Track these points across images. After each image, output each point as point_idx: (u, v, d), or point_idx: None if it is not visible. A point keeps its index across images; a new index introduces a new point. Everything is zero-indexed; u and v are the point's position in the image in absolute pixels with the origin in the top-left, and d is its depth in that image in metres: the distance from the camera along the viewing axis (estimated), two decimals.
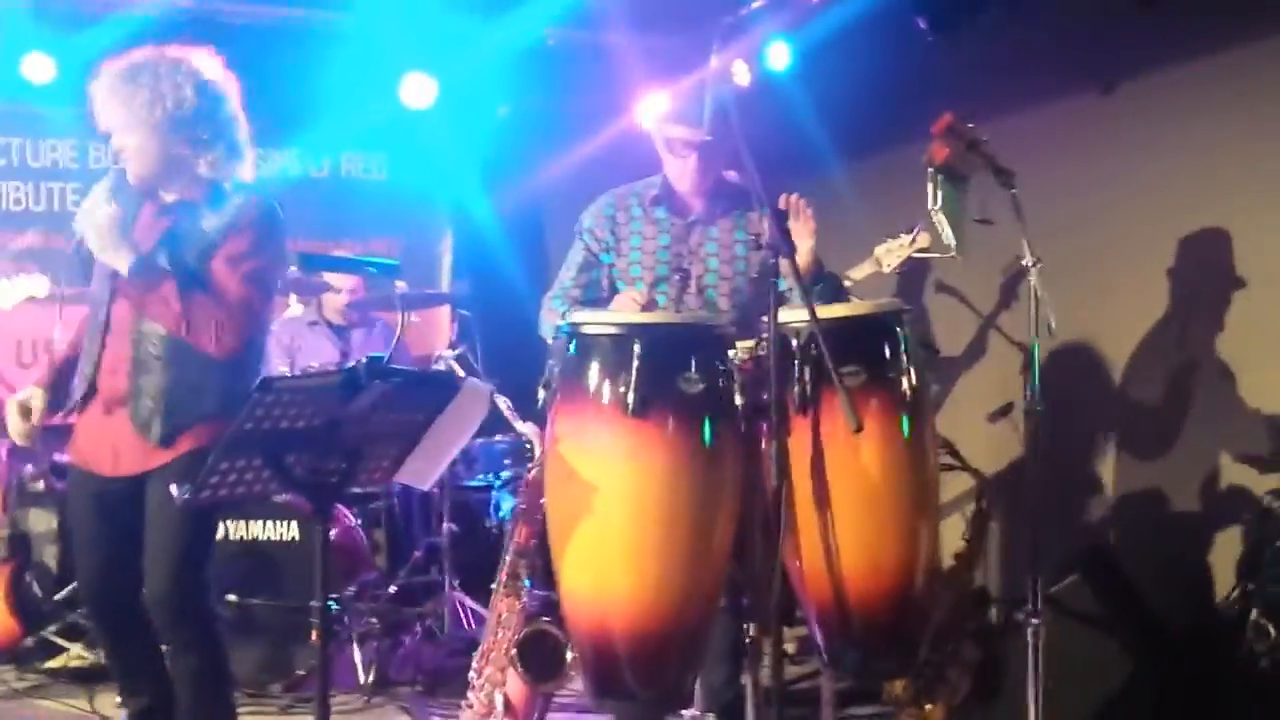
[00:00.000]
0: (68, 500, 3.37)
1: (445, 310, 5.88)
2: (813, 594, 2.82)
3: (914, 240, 4.51)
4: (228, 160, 3.17)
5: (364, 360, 2.57)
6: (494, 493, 5.15)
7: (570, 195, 5.95)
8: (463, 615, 4.94)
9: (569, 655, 3.16)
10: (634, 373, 2.62)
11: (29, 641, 4.71)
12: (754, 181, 2.78)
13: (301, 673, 4.29)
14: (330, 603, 2.68)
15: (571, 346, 2.75)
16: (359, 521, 4.81)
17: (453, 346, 4.99)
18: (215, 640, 3.24)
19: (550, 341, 3.44)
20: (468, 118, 6.11)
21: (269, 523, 4.36)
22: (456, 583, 4.95)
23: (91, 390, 3.15)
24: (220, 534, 4.32)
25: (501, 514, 5.12)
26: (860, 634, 2.81)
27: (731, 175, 3.77)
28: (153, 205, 3.18)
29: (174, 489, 2.56)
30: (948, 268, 4.75)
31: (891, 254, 4.53)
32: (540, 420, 3.17)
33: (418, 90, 5.69)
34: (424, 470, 2.89)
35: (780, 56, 5.29)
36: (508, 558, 3.28)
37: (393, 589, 4.94)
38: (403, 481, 2.91)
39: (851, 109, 5.06)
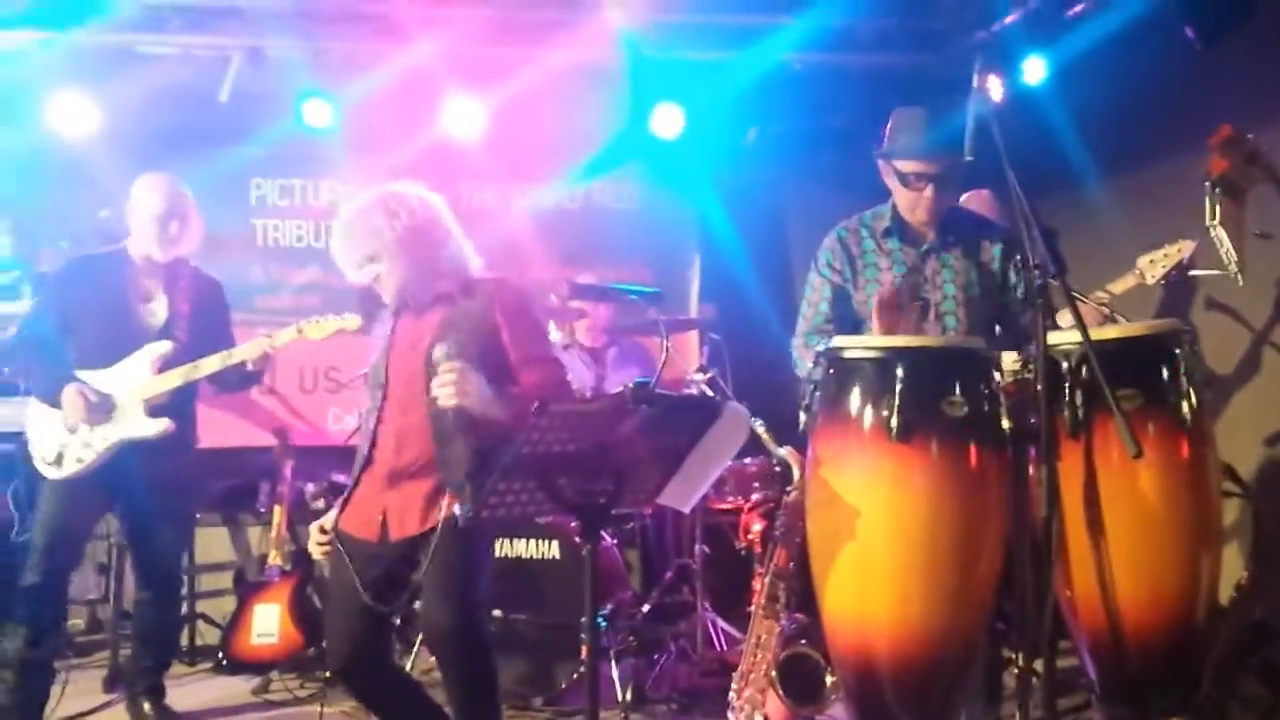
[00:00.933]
0: (330, 571, 3.44)
1: (693, 335, 5.97)
2: (1086, 625, 2.75)
3: (1179, 250, 4.32)
4: (463, 248, 3.41)
5: (631, 386, 2.66)
6: (744, 515, 5.18)
7: (815, 219, 5.94)
8: (715, 636, 4.99)
9: (829, 679, 3.17)
10: (897, 396, 2.63)
11: (310, 651, 5.01)
12: (1018, 199, 2.74)
13: (563, 686, 4.43)
14: (600, 619, 2.77)
15: (832, 371, 2.77)
16: (615, 542, 4.94)
17: (703, 370, 5.06)
18: (492, 668, 3.35)
19: (803, 374, 3.47)
20: (715, 145, 6.20)
21: (532, 541, 4.53)
22: (708, 604, 5.00)
23: (368, 463, 3.33)
24: None
25: (750, 536, 5.15)
26: (1137, 667, 2.72)
27: (970, 199, 3.68)
28: (410, 313, 3.39)
29: (456, 509, 2.72)
30: (1218, 284, 4.52)
31: (1155, 265, 4.35)
32: (798, 444, 3.20)
33: (667, 120, 5.82)
34: (685, 492, 2.96)
35: (1035, 71, 5.16)
36: (766, 580, 3.31)
37: (646, 608, 5.03)
38: (665, 503, 2.99)
39: (1112, 122, 4.89)
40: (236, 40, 5.57)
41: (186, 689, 4.90)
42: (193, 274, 4.49)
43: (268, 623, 5.09)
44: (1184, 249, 4.32)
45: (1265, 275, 4.38)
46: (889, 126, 3.59)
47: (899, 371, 2.64)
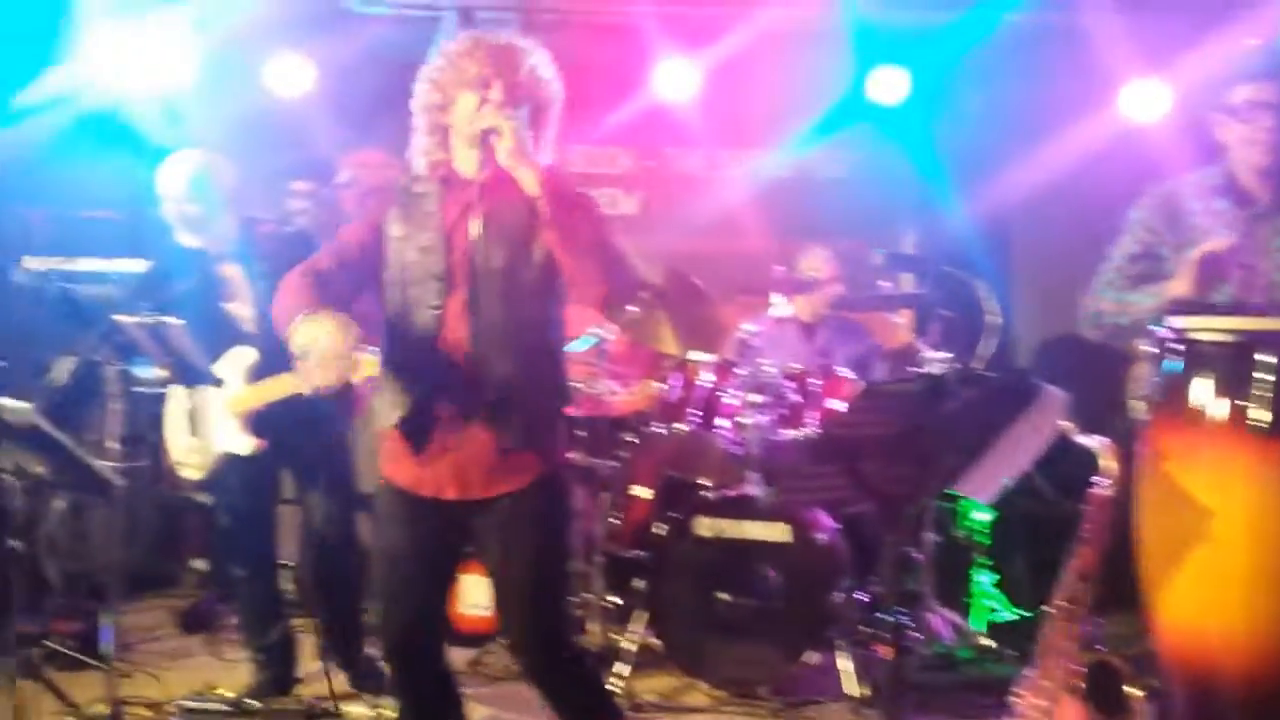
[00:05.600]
0: (380, 531, 3.04)
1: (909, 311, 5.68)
2: None
3: None
4: None
5: (954, 366, 2.44)
6: (962, 503, 4.92)
7: (1042, 191, 5.64)
8: (942, 628, 4.73)
9: (1129, 689, 2.90)
10: (1262, 387, 2.34)
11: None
12: None
13: (793, 675, 4.23)
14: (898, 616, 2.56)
15: (1178, 356, 2.50)
16: (838, 528, 4.69)
17: (936, 348, 4.76)
18: (592, 681, 3.04)
19: (1095, 331, 3.20)
20: (936, 112, 5.89)
21: (760, 523, 4.30)
22: (930, 594, 4.75)
23: (419, 405, 2.89)
24: (708, 531, 4.34)
25: (973, 523, 4.90)
26: None
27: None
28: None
29: (756, 490, 2.54)
30: None
31: None
32: (1114, 433, 2.93)
33: (887, 86, 5.54)
34: (987, 481, 2.73)
35: None
36: (1066, 580, 3.04)
37: (864, 597, 4.79)
38: (965, 493, 2.77)
39: None
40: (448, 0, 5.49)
41: None
42: None
43: (478, 593, 4.98)
44: None
45: None
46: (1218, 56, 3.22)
47: (1263, 357, 2.35)
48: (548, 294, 2.90)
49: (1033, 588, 5.17)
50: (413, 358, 2.87)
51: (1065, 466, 3.43)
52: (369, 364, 3.47)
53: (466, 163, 2.89)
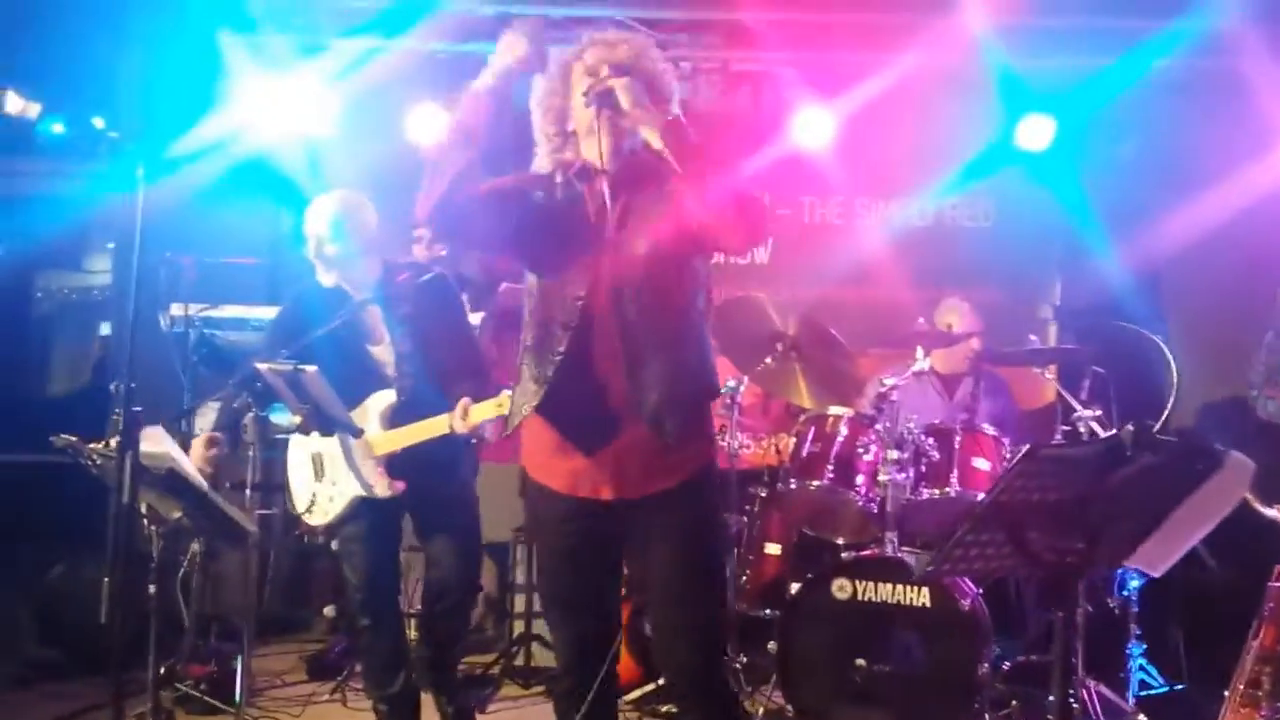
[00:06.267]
0: (538, 537, 2.99)
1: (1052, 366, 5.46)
2: None
3: None
4: None
5: (1131, 428, 2.27)
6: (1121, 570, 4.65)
7: (1198, 240, 5.38)
8: (1089, 703, 4.47)
9: None
10: None
11: (651, 686, 4.66)
12: None
13: None
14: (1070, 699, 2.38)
15: None
16: (979, 591, 4.48)
17: (1086, 406, 4.54)
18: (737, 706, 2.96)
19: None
20: (1084, 159, 5.67)
21: (898, 586, 4.13)
22: (1079, 666, 4.48)
23: (567, 402, 2.77)
24: (843, 593, 4.18)
25: (1126, 592, 4.63)
26: None
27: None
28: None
29: (912, 559, 2.40)
30: None
31: None
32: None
33: (1034, 131, 5.36)
34: (1161, 554, 2.54)
35: None
36: (1248, 662, 2.84)
37: (1006, 665, 4.56)
38: (1136, 565, 2.58)
39: None
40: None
41: (521, 711, 4.75)
42: None
43: None
44: None
45: None
46: None
47: None
48: (691, 278, 2.80)
49: (1188, 658, 4.91)
50: (555, 351, 2.75)
51: (1223, 531, 3.23)
52: (504, 400, 3.46)
53: (596, 154, 2.77)
